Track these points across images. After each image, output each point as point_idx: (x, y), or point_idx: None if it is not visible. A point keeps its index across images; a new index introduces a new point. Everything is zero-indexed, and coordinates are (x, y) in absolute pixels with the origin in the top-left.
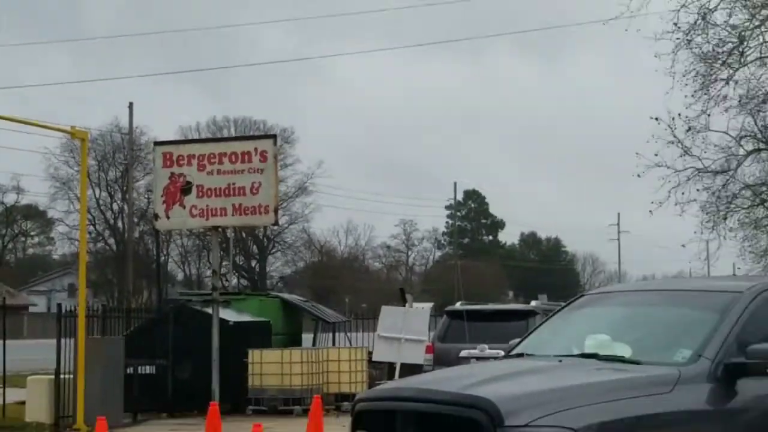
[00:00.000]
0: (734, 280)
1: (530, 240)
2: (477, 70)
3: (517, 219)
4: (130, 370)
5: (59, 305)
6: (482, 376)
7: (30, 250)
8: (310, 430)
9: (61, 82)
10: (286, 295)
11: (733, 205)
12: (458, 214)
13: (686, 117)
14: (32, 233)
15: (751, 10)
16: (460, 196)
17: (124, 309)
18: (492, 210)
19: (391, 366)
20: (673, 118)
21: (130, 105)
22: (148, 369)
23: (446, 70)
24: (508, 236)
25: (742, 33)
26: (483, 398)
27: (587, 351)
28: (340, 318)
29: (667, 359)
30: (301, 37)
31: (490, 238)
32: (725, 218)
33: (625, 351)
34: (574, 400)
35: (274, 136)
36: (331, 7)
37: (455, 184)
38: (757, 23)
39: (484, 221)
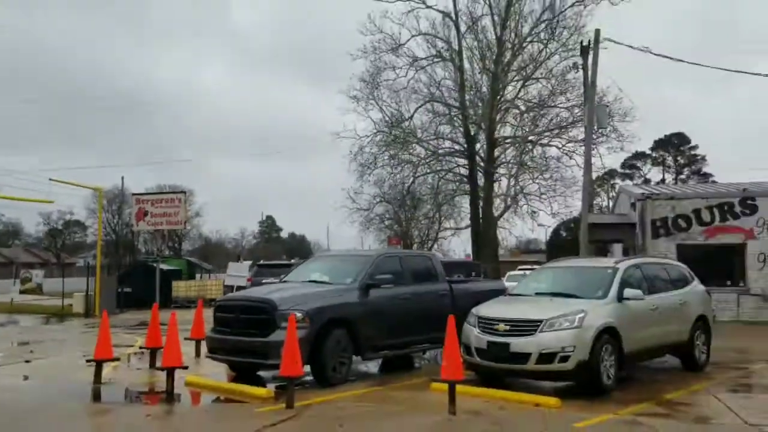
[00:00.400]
0: (371, 252)
1: (294, 237)
2: (277, 169)
3: (288, 228)
4: (119, 290)
5: (88, 263)
6: (270, 290)
7: (77, 239)
8: (197, 312)
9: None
10: (189, 258)
11: (371, 223)
12: (265, 225)
13: (353, 189)
14: (77, 233)
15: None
16: (265, 217)
17: (117, 264)
18: (278, 224)
19: (232, 287)
20: (348, 190)
21: (122, 177)
22: (128, 289)
23: (259, 165)
24: (284, 234)
25: (365, 166)
26: (270, 299)
27: (312, 279)
28: (211, 267)
29: (343, 281)
30: (201, 150)
31: (278, 235)
32: (368, 228)
33: (326, 278)
34: (307, 299)
35: (185, 192)
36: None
37: (263, 212)
38: (373, 159)
39: (275, 228)
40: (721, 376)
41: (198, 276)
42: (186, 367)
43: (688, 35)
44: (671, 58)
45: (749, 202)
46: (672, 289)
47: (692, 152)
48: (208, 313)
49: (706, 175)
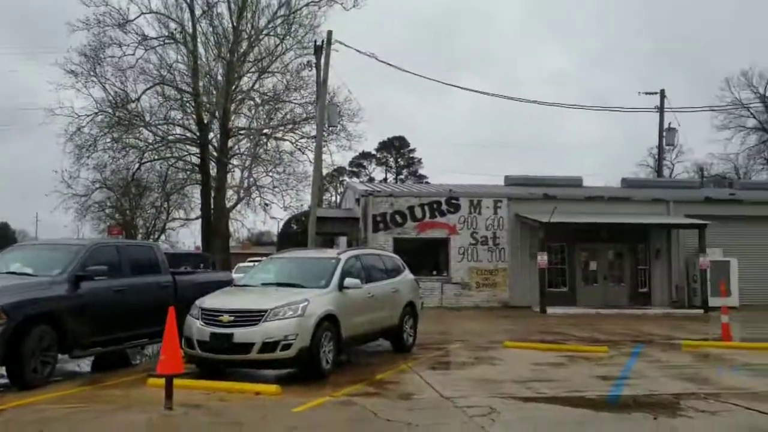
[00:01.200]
0: (83, 241)
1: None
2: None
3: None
4: None
5: None
6: None
7: None
8: None
9: None
10: None
11: (89, 211)
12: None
13: (69, 172)
14: None
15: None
16: None
17: None
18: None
19: None
20: (63, 173)
21: None
22: None
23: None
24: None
25: (83, 148)
26: None
27: (11, 270)
28: None
29: (49, 273)
30: None
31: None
32: (85, 216)
33: (29, 270)
34: (2, 292)
35: None
36: None
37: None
38: (93, 141)
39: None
40: (425, 356)
41: None
42: None
43: (418, 45)
44: (394, 66)
45: (454, 201)
46: (386, 278)
47: (411, 155)
48: None
49: (422, 177)
